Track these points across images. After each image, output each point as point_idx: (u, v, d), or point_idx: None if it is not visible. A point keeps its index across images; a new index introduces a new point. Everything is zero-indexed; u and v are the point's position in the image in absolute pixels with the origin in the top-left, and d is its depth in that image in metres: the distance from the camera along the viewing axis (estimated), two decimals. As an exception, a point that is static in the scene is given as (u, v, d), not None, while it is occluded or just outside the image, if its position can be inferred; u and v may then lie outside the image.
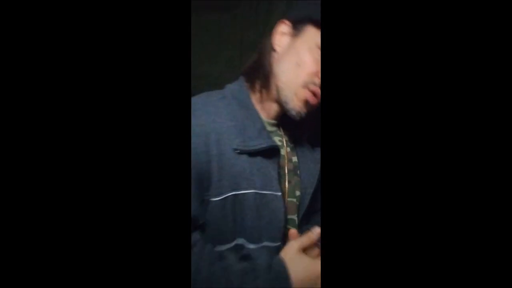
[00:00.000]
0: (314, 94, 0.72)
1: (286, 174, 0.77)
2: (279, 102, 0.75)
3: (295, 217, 0.77)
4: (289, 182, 0.77)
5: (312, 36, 0.73)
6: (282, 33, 0.76)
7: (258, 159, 0.71)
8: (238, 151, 0.69)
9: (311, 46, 0.72)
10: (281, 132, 0.79)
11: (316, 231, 0.70)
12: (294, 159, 0.80)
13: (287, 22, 0.76)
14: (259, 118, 0.75)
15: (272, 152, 0.73)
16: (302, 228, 0.77)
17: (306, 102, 0.72)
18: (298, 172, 0.79)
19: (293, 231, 0.73)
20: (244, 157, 0.70)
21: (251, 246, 0.70)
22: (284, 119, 0.77)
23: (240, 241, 0.70)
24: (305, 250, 0.69)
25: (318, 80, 0.72)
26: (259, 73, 0.76)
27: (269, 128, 0.77)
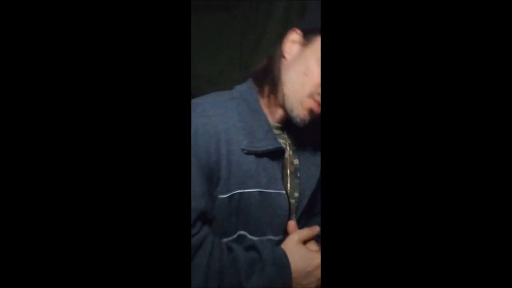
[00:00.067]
0: (319, 104, 0.73)
1: (287, 176, 0.79)
2: (284, 108, 0.77)
3: (293, 217, 0.80)
4: (289, 183, 0.79)
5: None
6: (292, 41, 0.77)
7: (264, 159, 0.74)
8: (246, 151, 0.72)
9: (319, 56, 0.72)
10: (285, 135, 0.81)
11: (316, 228, 0.75)
12: (296, 162, 0.82)
13: (298, 31, 0.77)
14: (266, 120, 0.77)
15: (277, 154, 0.76)
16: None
17: (311, 111, 0.74)
18: (298, 174, 0.81)
19: (292, 222, 0.77)
20: (251, 157, 0.73)
21: (254, 238, 0.73)
22: (288, 124, 0.79)
23: (242, 232, 0.73)
24: (304, 243, 0.74)
25: None
26: (268, 79, 0.78)
27: (274, 131, 0.79)
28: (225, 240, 0.73)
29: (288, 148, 0.81)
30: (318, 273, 0.71)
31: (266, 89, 0.78)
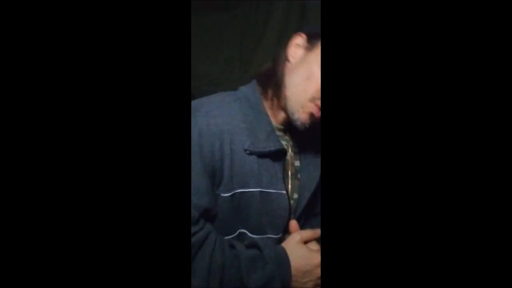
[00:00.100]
0: (319, 108, 0.74)
1: (288, 177, 0.81)
2: (286, 111, 0.77)
3: (292, 218, 0.81)
4: (289, 184, 0.81)
5: None
6: (297, 45, 0.78)
7: (266, 160, 0.75)
8: (248, 151, 0.73)
9: None
10: (287, 137, 0.82)
11: (318, 230, 0.76)
12: (297, 163, 0.83)
13: (303, 35, 0.78)
14: (269, 122, 0.78)
15: (279, 155, 0.77)
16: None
17: (311, 115, 0.74)
18: (299, 176, 0.83)
19: (293, 222, 0.78)
20: (253, 157, 0.74)
21: (254, 236, 0.75)
22: (291, 126, 0.80)
23: (242, 230, 0.75)
24: (305, 243, 0.75)
25: None
26: (272, 82, 0.79)
27: (277, 133, 0.80)
28: (226, 238, 0.74)
29: (289, 149, 0.82)
30: (317, 272, 0.72)
31: (270, 92, 0.79)
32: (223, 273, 0.68)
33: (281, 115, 0.79)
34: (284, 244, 0.75)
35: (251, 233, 0.75)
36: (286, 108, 0.77)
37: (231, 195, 0.72)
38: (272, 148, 0.75)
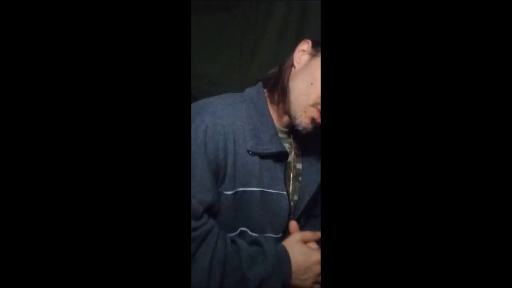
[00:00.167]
0: (321, 114, 0.75)
1: (290, 179, 0.83)
2: (289, 115, 0.79)
3: (291, 218, 0.83)
4: (290, 186, 0.83)
5: None
6: (302, 51, 0.80)
7: (268, 161, 0.78)
8: (251, 152, 0.76)
9: None
10: (291, 140, 0.85)
11: (318, 233, 0.78)
12: (299, 166, 0.86)
13: (309, 41, 0.80)
14: (273, 124, 0.80)
15: (281, 157, 0.79)
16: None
17: (313, 120, 0.76)
18: (300, 178, 0.85)
19: (293, 222, 0.81)
20: (256, 158, 0.76)
21: (254, 235, 0.77)
22: (295, 129, 0.82)
23: (243, 228, 0.77)
24: (305, 242, 0.78)
25: None
26: (278, 86, 0.81)
27: (280, 135, 0.82)
28: (228, 235, 0.76)
29: (292, 152, 0.84)
30: (316, 269, 0.74)
31: (275, 95, 0.81)
32: (224, 267, 0.69)
33: (285, 118, 0.81)
34: (284, 243, 0.77)
35: (251, 231, 0.77)
36: (289, 112, 0.79)
37: (233, 193, 0.75)
38: (274, 150, 0.77)
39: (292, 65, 0.81)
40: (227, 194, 0.75)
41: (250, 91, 0.84)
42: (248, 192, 0.76)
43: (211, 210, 0.74)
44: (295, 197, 0.84)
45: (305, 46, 0.80)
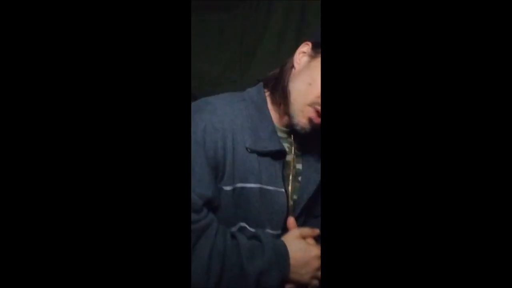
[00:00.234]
0: (318, 114, 0.77)
1: (289, 179, 0.84)
2: (288, 115, 0.81)
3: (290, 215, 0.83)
4: (290, 186, 0.84)
5: None
6: (302, 53, 0.82)
7: (266, 159, 0.79)
8: (249, 150, 0.77)
9: None
10: (291, 140, 0.85)
11: (316, 230, 0.79)
12: (298, 166, 0.86)
13: (309, 43, 0.82)
14: (271, 123, 0.81)
15: (279, 155, 0.80)
16: None
17: (310, 120, 0.78)
18: (299, 178, 0.86)
19: (291, 219, 0.82)
20: (254, 155, 0.77)
21: (253, 230, 0.78)
22: (295, 129, 0.83)
23: (243, 224, 0.78)
24: (304, 238, 0.78)
25: None
26: (278, 87, 0.82)
27: (281, 134, 0.83)
28: (227, 230, 0.76)
29: (292, 152, 0.84)
30: (314, 263, 0.75)
31: (276, 96, 0.82)
32: (224, 260, 0.70)
33: (286, 119, 0.82)
34: (283, 238, 0.77)
35: (250, 227, 0.78)
36: (288, 112, 0.80)
37: (232, 189, 0.76)
38: (272, 149, 0.78)
39: (293, 66, 0.82)
40: (227, 190, 0.76)
41: (251, 90, 0.85)
42: (247, 189, 0.77)
43: (211, 205, 0.75)
44: (295, 197, 0.85)
45: (305, 48, 0.82)
